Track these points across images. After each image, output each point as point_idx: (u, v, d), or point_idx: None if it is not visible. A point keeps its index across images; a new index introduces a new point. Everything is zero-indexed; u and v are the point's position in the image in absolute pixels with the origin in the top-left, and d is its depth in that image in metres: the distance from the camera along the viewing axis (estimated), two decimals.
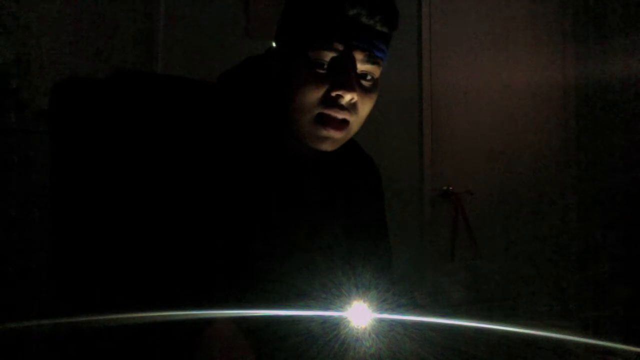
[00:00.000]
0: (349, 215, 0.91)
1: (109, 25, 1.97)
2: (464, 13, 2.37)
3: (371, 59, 0.77)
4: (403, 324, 0.72)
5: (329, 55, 0.76)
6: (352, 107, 0.78)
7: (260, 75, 0.85)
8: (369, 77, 0.79)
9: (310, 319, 0.71)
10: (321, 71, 0.76)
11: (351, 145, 0.88)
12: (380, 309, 0.72)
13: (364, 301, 0.73)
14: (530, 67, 2.39)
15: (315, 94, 0.76)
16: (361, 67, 0.77)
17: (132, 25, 2.03)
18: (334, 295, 0.73)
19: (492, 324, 0.73)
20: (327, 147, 0.80)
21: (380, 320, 0.72)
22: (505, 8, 2.39)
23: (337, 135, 0.79)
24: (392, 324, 0.72)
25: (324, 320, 0.72)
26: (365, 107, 0.80)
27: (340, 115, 0.77)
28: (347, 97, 0.76)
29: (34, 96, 1.78)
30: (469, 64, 2.35)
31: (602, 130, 2.37)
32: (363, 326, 0.71)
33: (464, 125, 2.34)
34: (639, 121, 2.30)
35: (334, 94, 0.76)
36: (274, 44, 0.83)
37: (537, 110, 2.39)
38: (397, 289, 0.76)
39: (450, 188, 2.29)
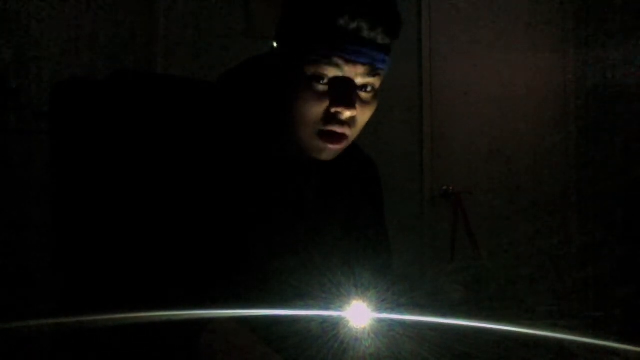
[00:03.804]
0: (348, 216, 0.90)
1: (109, 26, 1.97)
2: (464, 13, 2.37)
3: (372, 72, 0.76)
4: (402, 323, 0.72)
5: (328, 70, 0.74)
6: (351, 122, 0.77)
7: (262, 76, 0.85)
8: (369, 89, 0.78)
9: (310, 318, 0.71)
10: (321, 86, 0.75)
11: (350, 145, 0.88)
12: (380, 309, 0.72)
13: (364, 301, 0.73)
14: (531, 67, 2.39)
15: (315, 110, 0.75)
16: (362, 80, 0.76)
17: (132, 25, 2.03)
18: (333, 295, 0.73)
19: (492, 324, 0.73)
20: (325, 157, 0.80)
21: (380, 320, 0.72)
22: (505, 8, 2.39)
23: (336, 147, 0.79)
24: (392, 323, 0.72)
25: (323, 320, 0.71)
26: (364, 118, 0.79)
27: (339, 130, 0.77)
28: (347, 114, 0.75)
29: (34, 96, 1.78)
30: (469, 64, 2.35)
31: (602, 130, 2.37)
32: (362, 326, 0.71)
33: (464, 125, 2.34)
34: (639, 121, 2.30)
35: (334, 110, 0.75)
36: (275, 44, 0.82)
37: (537, 110, 2.39)
38: (396, 288, 0.76)
39: (450, 188, 2.29)
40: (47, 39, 1.84)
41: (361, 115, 0.78)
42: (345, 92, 0.75)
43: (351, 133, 0.79)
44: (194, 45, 2.14)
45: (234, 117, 0.83)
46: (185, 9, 2.16)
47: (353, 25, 0.72)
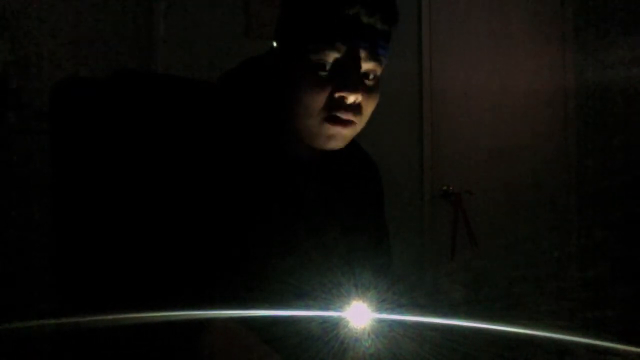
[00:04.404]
0: (348, 215, 0.91)
1: (109, 26, 1.97)
2: (464, 13, 2.37)
3: (373, 58, 0.77)
4: (402, 324, 0.72)
5: (331, 56, 0.75)
6: (356, 108, 0.78)
7: (261, 76, 0.85)
8: (371, 76, 0.79)
9: (310, 319, 0.71)
10: (323, 73, 0.76)
11: (351, 144, 0.88)
12: (380, 309, 0.72)
13: (364, 301, 0.73)
14: (531, 67, 2.39)
15: (319, 97, 0.76)
16: (364, 66, 0.77)
17: (132, 25, 2.03)
18: (333, 295, 0.73)
19: (492, 324, 0.73)
20: (334, 145, 0.80)
21: (380, 320, 0.72)
22: (505, 8, 2.39)
23: (344, 132, 0.79)
24: (392, 324, 0.72)
25: (323, 320, 0.71)
26: (369, 106, 0.80)
27: (344, 116, 0.77)
28: (351, 98, 0.76)
29: (34, 96, 1.78)
30: (469, 64, 2.35)
31: (602, 130, 2.37)
32: (362, 326, 0.71)
33: (464, 125, 2.34)
34: (639, 121, 2.30)
35: (337, 95, 0.76)
36: (274, 44, 0.82)
37: (537, 110, 2.39)
38: (396, 288, 0.76)
39: (450, 188, 2.29)
40: (47, 39, 1.84)
41: (365, 103, 0.79)
42: (349, 76, 0.75)
43: (357, 120, 0.79)
44: (194, 46, 2.14)
45: (235, 116, 0.83)
46: (185, 9, 2.16)
47: (352, 12, 0.74)
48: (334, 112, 0.77)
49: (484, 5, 2.38)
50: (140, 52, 2.06)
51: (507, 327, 0.73)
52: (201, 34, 2.15)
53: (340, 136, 0.79)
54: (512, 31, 2.39)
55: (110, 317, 0.65)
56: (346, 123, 0.78)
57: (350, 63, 0.75)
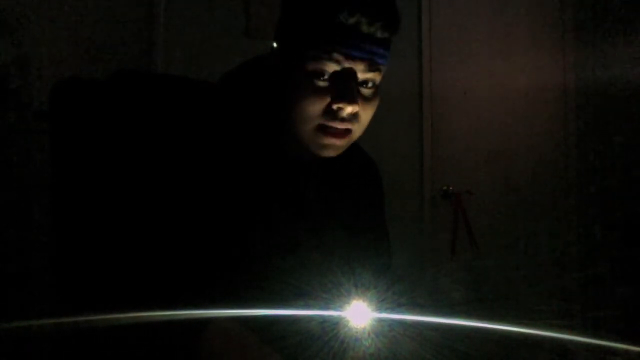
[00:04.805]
0: (349, 216, 0.91)
1: (109, 26, 1.97)
2: (463, 13, 2.37)
3: (372, 67, 0.76)
4: (402, 323, 0.72)
5: (329, 66, 0.74)
6: (353, 117, 0.77)
7: (263, 77, 0.85)
8: (370, 84, 0.78)
9: (310, 318, 0.71)
10: (321, 83, 0.75)
11: (352, 145, 0.88)
12: (380, 309, 0.72)
13: (364, 301, 0.73)
14: (530, 67, 2.39)
15: (316, 106, 0.75)
16: (362, 76, 0.76)
17: (132, 25, 2.04)
18: (333, 294, 0.73)
19: (492, 324, 0.73)
20: (327, 154, 0.80)
21: (380, 320, 0.72)
22: (505, 8, 2.39)
23: (339, 143, 0.78)
24: (392, 323, 0.72)
25: (323, 320, 0.71)
26: (367, 114, 0.79)
27: (341, 126, 0.77)
28: (349, 110, 0.75)
29: (34, 96, 1.78)
30: (469, 64, 2.35)
31: (602, 130, 2.37)
32: (362, 326, 0.71)
33: (464, 125, 2.34)
34: (639, 121, 2.30)
35: (335, 107, 0.75)
36: (275, 44, 0.82)
37: (537, 110, 2.39)
38: (396, 288, 0.76)
39: (450, 188, 2.29)
40: (47, 39, 1.84)
41: (363, 111, 0.78)
42: (347, 88, 0.75)
43: (354, 128, 0.78)
44: (194, 45, 2.14)
45: (235, 116, 0.83)
46: (185, 9, 2.16)
47: (352, 21, 0.72)
48: (329, 122, 0.76)
49: (484, 5, 2.38)
50: (140, 52, 2.06)
51: (507, 327, 0.73)
52: (201, 34, 2.15)
53: (333, 147, 0.79)
54: (512, 31, 2.39)
55: (110, 317, 0.65)
56: (341, 134, 0.78)
57: (348, 75, 0.75)
